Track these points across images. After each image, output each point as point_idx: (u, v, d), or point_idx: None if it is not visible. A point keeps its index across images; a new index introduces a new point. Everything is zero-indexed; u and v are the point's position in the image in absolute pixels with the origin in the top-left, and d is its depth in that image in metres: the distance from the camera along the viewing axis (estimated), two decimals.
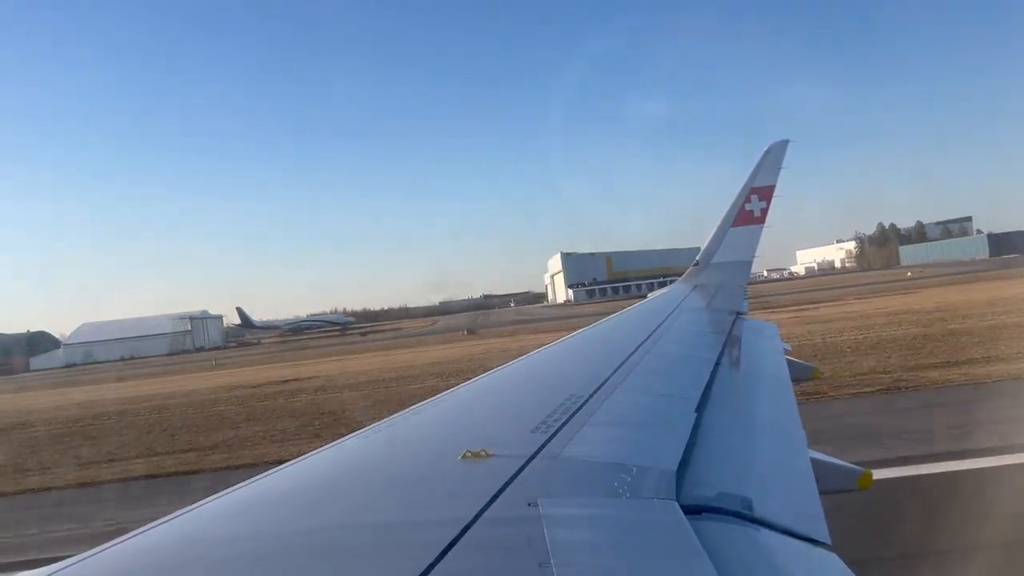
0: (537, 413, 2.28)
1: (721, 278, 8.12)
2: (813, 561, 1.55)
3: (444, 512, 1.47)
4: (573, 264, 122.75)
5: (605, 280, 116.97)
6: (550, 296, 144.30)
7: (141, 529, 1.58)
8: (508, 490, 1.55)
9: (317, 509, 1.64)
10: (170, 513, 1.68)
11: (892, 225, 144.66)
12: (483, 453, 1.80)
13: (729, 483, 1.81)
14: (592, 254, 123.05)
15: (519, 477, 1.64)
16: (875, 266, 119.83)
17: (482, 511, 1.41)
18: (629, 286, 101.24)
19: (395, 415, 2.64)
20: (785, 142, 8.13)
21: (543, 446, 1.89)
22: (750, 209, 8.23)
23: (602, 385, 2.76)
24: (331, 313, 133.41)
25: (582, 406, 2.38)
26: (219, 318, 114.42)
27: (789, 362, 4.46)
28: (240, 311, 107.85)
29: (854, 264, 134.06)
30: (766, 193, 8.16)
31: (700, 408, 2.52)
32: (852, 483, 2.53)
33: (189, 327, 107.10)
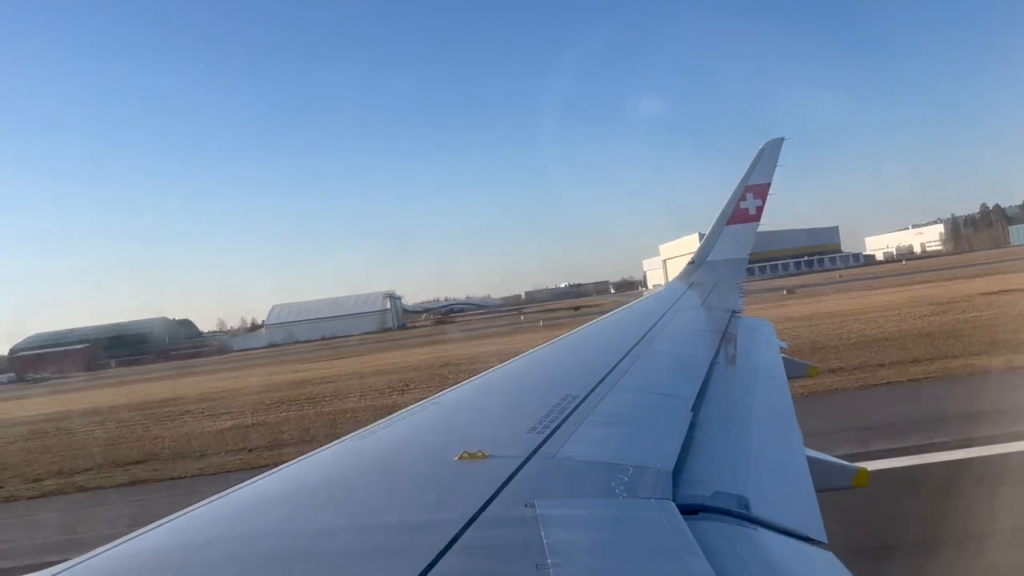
0: (533, 413, 2.28)
1: (717, 276, 8.14)
2: (810, 560, 1.55)
3: (441, 513, 1.47)
4: None
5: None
6: (655, 281, 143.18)
7: (141, 531, 1.58)
8: (505, 491, 1.55)
9: (314, 511, 1.63)
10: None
11: (996, 205, 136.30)
12: (479, 454, 1.79)
13: (726, 482, 1.82)
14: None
15: (516, 478, 1.64)
16: (977, 248, 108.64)
17: (479, 512, 1.41)
18: (776, 265, 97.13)
19: (392, 416, 2.63)
20: (780, 140, 8.12)
21: (539, 446, 1.89)
22: (745, 207, 8.23)
23: (598, 384, 2.76)
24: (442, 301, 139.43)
25: (578, 406, 2.38)
26: (400, 298, 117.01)
27: (785, 360, 4.47)
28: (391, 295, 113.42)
29: (944, 248, 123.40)
30: (762, 191, 8.16)
31: (696, 407, 2.52)
32: (847, 481, 2.53)
33: (389, 306, 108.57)
